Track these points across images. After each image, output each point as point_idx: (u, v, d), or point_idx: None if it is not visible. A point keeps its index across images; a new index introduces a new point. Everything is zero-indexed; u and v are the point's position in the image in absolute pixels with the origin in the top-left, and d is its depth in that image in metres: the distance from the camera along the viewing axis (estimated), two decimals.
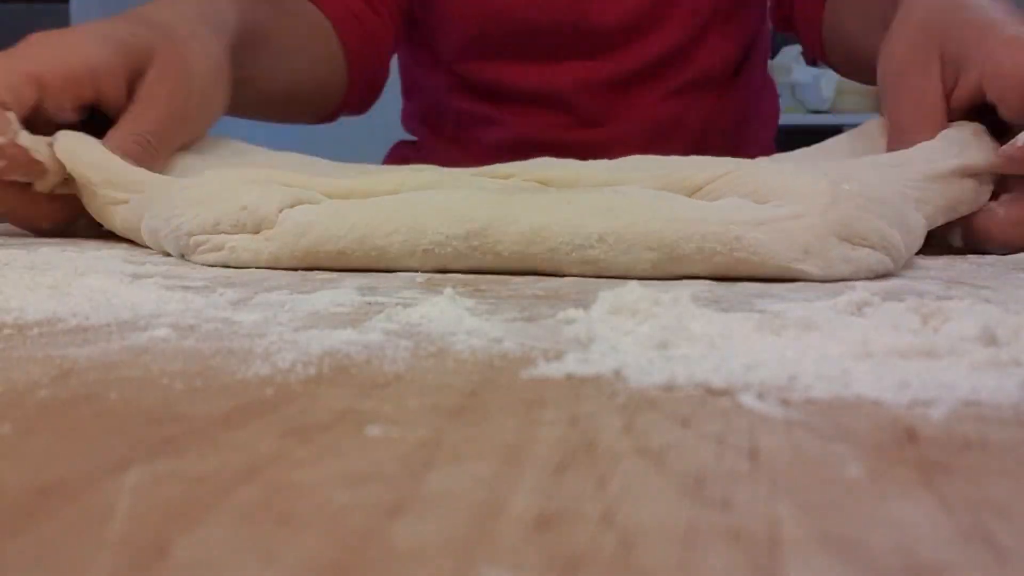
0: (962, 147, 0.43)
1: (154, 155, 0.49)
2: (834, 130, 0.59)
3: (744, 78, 0.80)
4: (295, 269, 0.36)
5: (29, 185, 0.47)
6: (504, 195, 0.37)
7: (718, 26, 0.76)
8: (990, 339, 0.20)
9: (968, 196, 0.43)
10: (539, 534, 0.11)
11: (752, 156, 0.50)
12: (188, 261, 0.39)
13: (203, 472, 0.13)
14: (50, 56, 0.49)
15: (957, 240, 0.44)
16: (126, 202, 0.45)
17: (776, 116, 0.89)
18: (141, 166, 0.46)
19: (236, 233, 0.37)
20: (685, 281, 0.34)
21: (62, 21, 2.21)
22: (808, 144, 0.53)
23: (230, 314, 0.26)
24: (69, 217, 0.49)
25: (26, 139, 0.46)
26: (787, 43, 1.91)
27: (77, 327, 0.24)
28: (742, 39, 0.78)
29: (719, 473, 0.13)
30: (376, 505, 0.12)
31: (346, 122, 0.79)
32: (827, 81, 2.04)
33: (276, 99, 0.70)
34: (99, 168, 0.45)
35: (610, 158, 0.47)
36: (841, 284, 0.33)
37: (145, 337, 0.22)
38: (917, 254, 0.39)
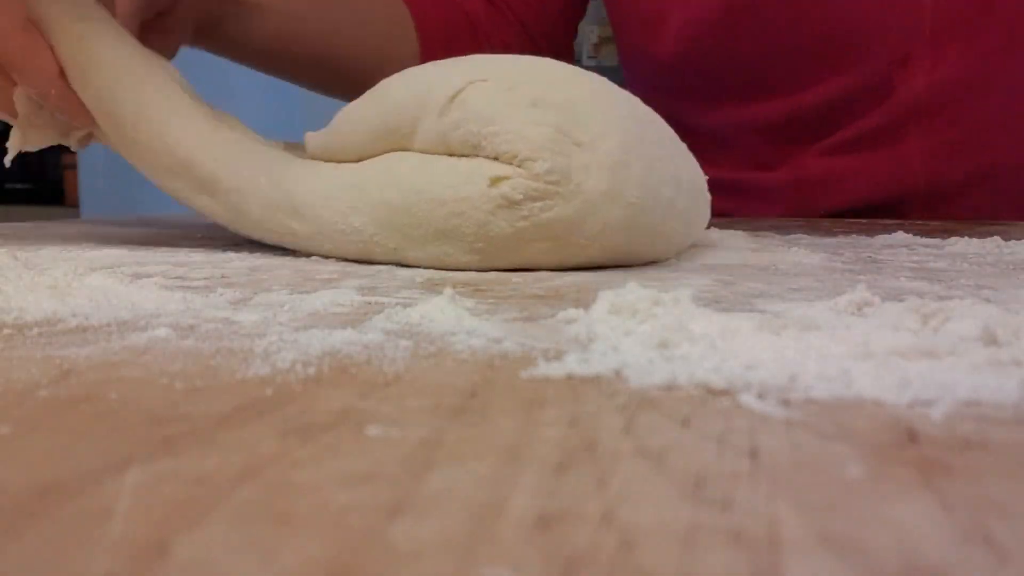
0: None
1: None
2: None
3: None
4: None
5: None
6: None
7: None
8: (990, 339, 0.20)
9: None
10: (539, 534, 0.11)
11: None
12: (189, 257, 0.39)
13: (203, 472, 0.13)
14: None
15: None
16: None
17: None
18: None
19: None
20: (685, 281, 0.34)
21: None
22: None
23: (230, 314, 0.26)
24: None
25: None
26: None
27: (77, 327, 0.24)
28: None
29: (719, 473, 0.13)
30: (376, 505, 0.12)
31: None
32: None
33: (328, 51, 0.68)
34: None
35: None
36: (841, 284, 0.33)
37: (145, 337, 0.22)
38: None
